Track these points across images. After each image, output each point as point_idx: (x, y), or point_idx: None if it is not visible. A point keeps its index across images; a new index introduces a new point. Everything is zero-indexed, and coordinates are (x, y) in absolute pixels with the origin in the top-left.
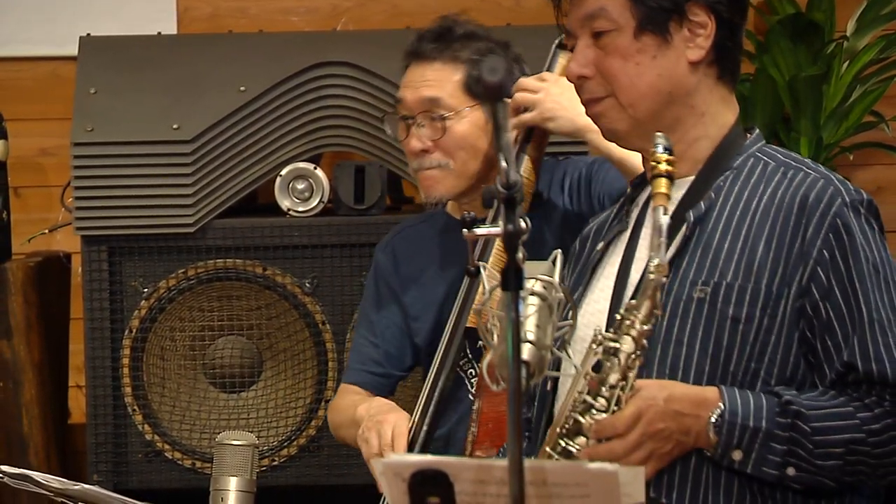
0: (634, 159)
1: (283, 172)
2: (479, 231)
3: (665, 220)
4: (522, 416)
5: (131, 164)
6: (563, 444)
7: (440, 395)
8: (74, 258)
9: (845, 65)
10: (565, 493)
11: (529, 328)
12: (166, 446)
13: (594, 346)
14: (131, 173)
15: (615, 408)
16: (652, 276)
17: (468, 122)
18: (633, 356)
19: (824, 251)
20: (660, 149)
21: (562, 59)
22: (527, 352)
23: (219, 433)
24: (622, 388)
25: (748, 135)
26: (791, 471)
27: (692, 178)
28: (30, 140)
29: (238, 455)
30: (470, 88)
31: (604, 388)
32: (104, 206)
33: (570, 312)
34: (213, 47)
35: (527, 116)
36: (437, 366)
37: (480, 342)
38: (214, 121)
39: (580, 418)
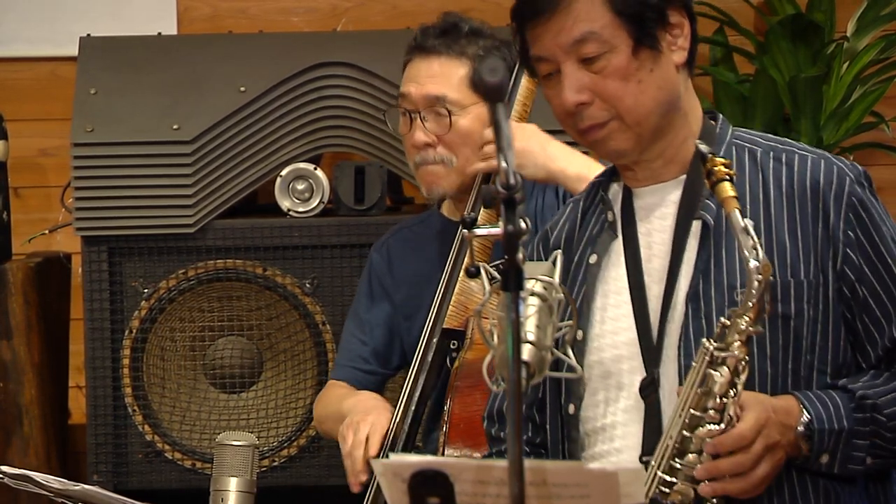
0: None
1: (284, 173)
2: (479, 231)
3: (747, 222)
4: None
5: (131, 165)
6: (676, 464)
7: (421, 395)
8: (74, 258)
9: (845, 65)
10: (565, 494)
11: (529, 329)
12: (166, 446)
13: (703, 358)
14: (131, 173)
15: (728, 418)
16: (760, 277)
17: (473, 117)
18: (742, 363)
19: (849, 232)
20: (710, 154)
21: (525, 82)
22: (527, 352)
23: (219, 433)
24: (732, 398)
25: (713, 122)
26: (870, 460)
27: (684, 176)
28: (30, 140)
29: (238, 455)
30: (475, 84)
31: (711, 401)
32: (104, 206)
33: (571, 313)
34: (213, 48)
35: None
36: (416, 366)
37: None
38: (214, 121)
39: (689, 434)
